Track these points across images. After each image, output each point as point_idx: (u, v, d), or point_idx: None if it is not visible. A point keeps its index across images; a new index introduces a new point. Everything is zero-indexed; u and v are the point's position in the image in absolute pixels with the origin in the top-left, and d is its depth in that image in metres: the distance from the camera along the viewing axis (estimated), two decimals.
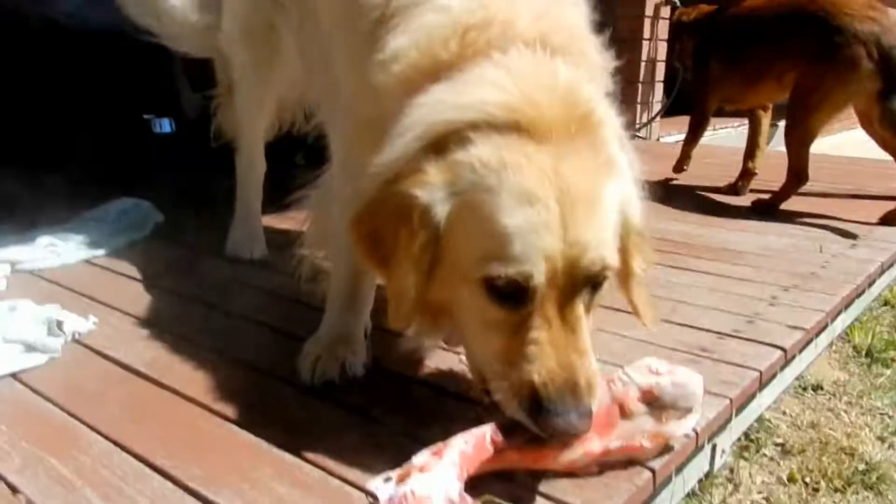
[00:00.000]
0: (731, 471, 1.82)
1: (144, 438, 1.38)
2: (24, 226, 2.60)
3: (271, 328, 1.95)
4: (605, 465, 1.28)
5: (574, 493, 1.22)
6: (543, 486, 1.23)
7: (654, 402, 1.28)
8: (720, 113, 5.32)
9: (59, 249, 2.44)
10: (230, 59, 2.46)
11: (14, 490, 1.24)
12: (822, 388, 2.26)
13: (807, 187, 3.62)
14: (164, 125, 4.99)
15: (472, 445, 1.18)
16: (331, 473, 1.28)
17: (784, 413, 2.12)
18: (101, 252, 2.52)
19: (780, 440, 1.98)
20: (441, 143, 1.23)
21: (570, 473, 1.25)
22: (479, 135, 1.21)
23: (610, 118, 1.33)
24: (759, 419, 2.03)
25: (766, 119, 3.92)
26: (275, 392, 1.60)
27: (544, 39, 1.31)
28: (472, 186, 1.21)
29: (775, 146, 3.65)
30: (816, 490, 1.77)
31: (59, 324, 1.79)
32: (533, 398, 1.18)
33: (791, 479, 1.81)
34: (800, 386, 2.27)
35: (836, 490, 1.77)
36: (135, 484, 1.25)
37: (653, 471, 1.29)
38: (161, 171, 3.69)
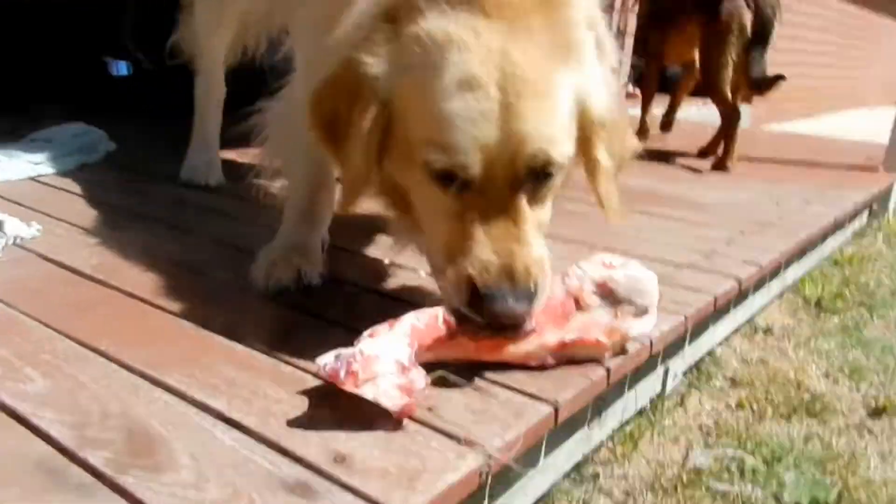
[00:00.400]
0: (682, 397, 1.85)
1: (88, 329, 1.33)
2: None
3: (224, 243, 1.90)
4: (562, 360, 1.27)
5: (529, 383, 1.21)
6: (499, 376, 1.22)
7: (610, 296, 1.28)
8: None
9: (4, 165, 2.33)
10: None
11: None
12: (771, 332, 2.32)
13: (765, 155, 3.72)
14: (122, 67, 4.86)
15: (423, 322, 1.17)
16: (283, 361, 1.24)
17: (735, 350, 2.16)
18: (48, 171, 2.43)
19: (729, 374, 2.01)
20: (395, 13, 1.19)
21: (527, 366, 1.25)
22: (430, 4, 1.16)
23: None
24: (711, 353, 2.07)
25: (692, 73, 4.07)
26: (226, 295, 1.56)
27: None
28: (418, 63, 1.17)
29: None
30: (763, 416, 1.81)
31: (0, 224, 1.71)
32: (472, 291, 1.16)
33: (739, 406, 1.85)
34: (751, 329, 2.32)
35: (781, 416, 1.81)
36: (76, 364, 1.20)
37: (608, 369, 1.29)
38: (117, 110, 3.57)
